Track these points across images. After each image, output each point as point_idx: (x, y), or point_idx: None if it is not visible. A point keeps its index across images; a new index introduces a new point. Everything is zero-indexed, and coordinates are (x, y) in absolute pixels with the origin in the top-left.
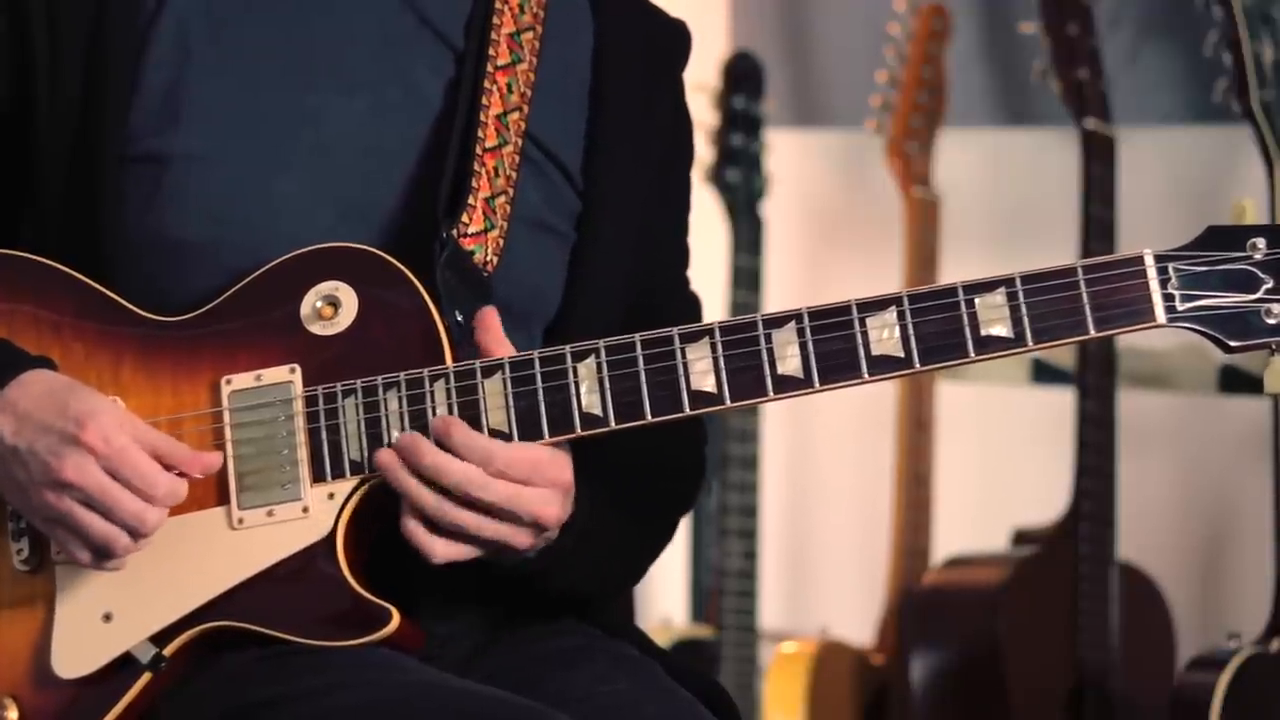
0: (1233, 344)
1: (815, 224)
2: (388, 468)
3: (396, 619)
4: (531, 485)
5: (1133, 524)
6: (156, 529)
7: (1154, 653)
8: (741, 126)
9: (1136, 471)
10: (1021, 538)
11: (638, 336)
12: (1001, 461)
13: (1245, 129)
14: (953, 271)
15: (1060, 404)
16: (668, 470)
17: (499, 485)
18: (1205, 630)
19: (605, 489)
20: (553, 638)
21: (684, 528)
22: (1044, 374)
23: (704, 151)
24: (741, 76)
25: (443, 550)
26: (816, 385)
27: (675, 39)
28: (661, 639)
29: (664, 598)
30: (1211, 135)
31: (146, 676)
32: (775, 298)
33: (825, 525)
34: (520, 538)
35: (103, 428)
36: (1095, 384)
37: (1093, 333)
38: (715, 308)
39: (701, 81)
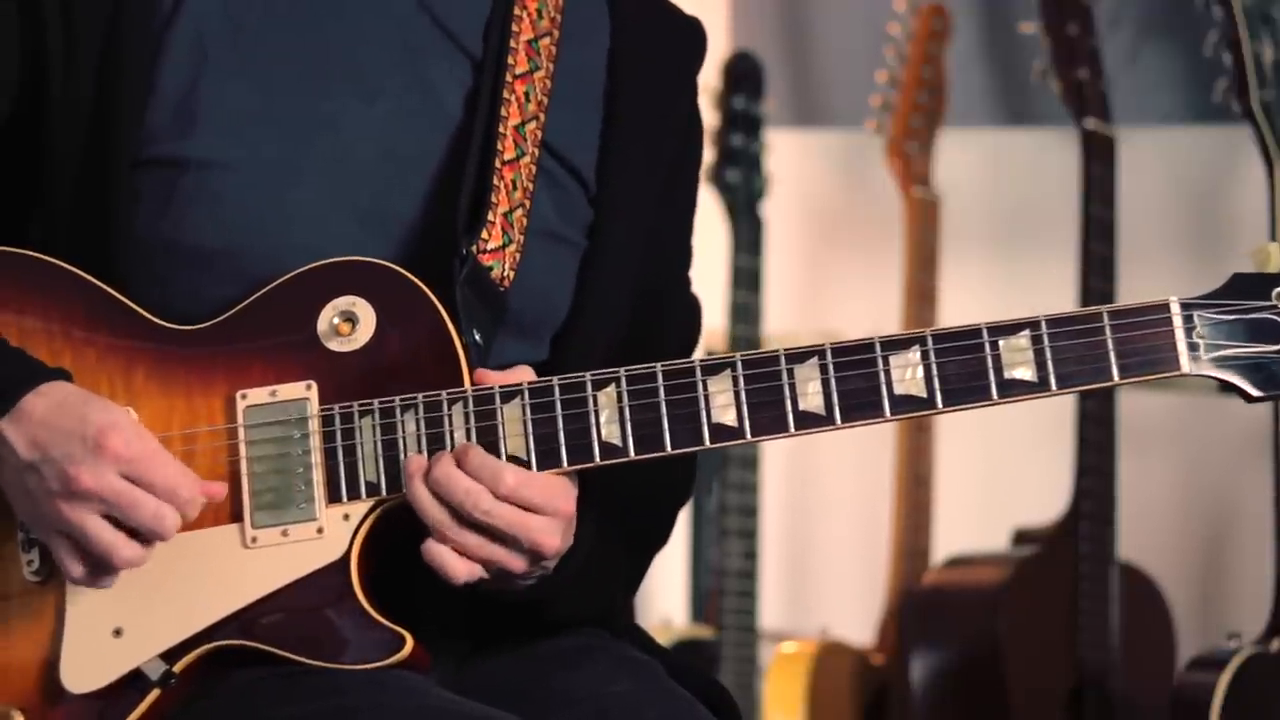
0: (1255, 394)
1: (815, 224)
2: (410, 475)
3: (409, 644)
4: (539, 514)
5: (1133, 524)
6: (172, 534)
7: (1154, 653)
8: (741, 126)
9: (1136, 471)
10: (1021, 538)
11: (659, 366)
12: (1001, 461)
13: (1245, 129)
14: (953, 272)
15: (1060, 403)
16: (665, 485)
17: (504, 510)
18: (1205, 630)
19: (608, 514)
20: (554, 638)
21: (684, 528)
22: None
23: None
24: (741, 76)
25: (466, 572)
26: (838, 423)
27: (691, 39)
28: (661, 639)
29: (664, 598)
30: (1211, 135)
31: (156, 693)
32: (775, 298)
33: (825, 525)
34: (515, 563)
35: (125, 435)
36: None
37: (1116, 379)
38: (715, 308)
39: (701, 81)
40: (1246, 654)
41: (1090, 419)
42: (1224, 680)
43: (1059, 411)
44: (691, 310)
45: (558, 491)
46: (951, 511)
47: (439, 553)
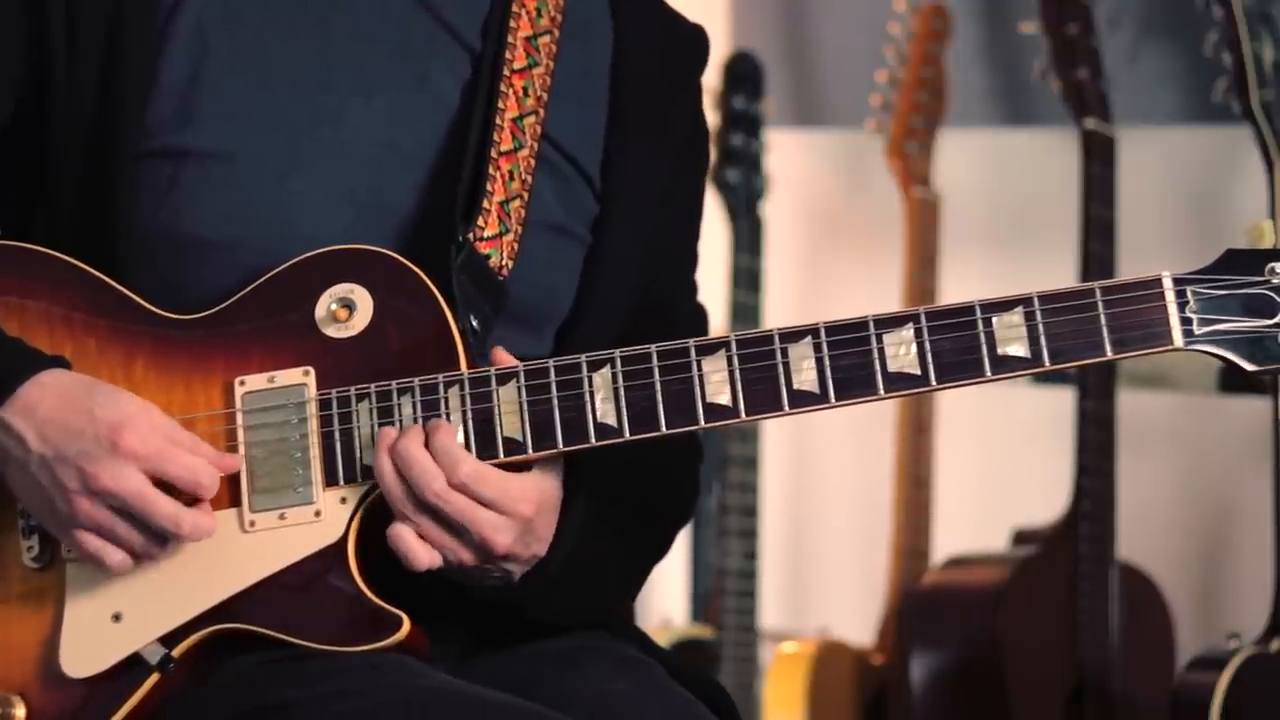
0: (1250, 368)
1: (815, 224)
2: (378, 446)
3: (407, 625)
4: (492, 509)
5: (1133, 524)
6: (193, 533)
7: (1154, 653)
8: (741, 126)
9: (1136, 471)
10: (1021, 538)
11: (654, 347)
12: (1001, 461)
13: (1245, 129)
14: (953, 272)
15: (1060, 404)
16: (664, 490)
17: (456, 498)
18: (1205, 630)
19: (597, 520)
20: (553, 638)
21: (684, 528)
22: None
23: None
24: (741, 76)
25: (427, 559)
26: (833, 401)
27: (694, 44)
28: (661, 639)
29: (664, 598)
30: (1211, 135)
31: (155, 677)
32: (775, 298)
33: (825, 525)
34: (463, 554)
35: (139, 431)
36: (1095, 383)
37: (1110, 354)
38: (715, 308)
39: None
40: (1246, 654)
41: (1090, 419)
42: (1224, 680)
43: (1059, 411)
44: (698, 316)
45: (516, 494)
46: (951, 511)
47: (402, 535)
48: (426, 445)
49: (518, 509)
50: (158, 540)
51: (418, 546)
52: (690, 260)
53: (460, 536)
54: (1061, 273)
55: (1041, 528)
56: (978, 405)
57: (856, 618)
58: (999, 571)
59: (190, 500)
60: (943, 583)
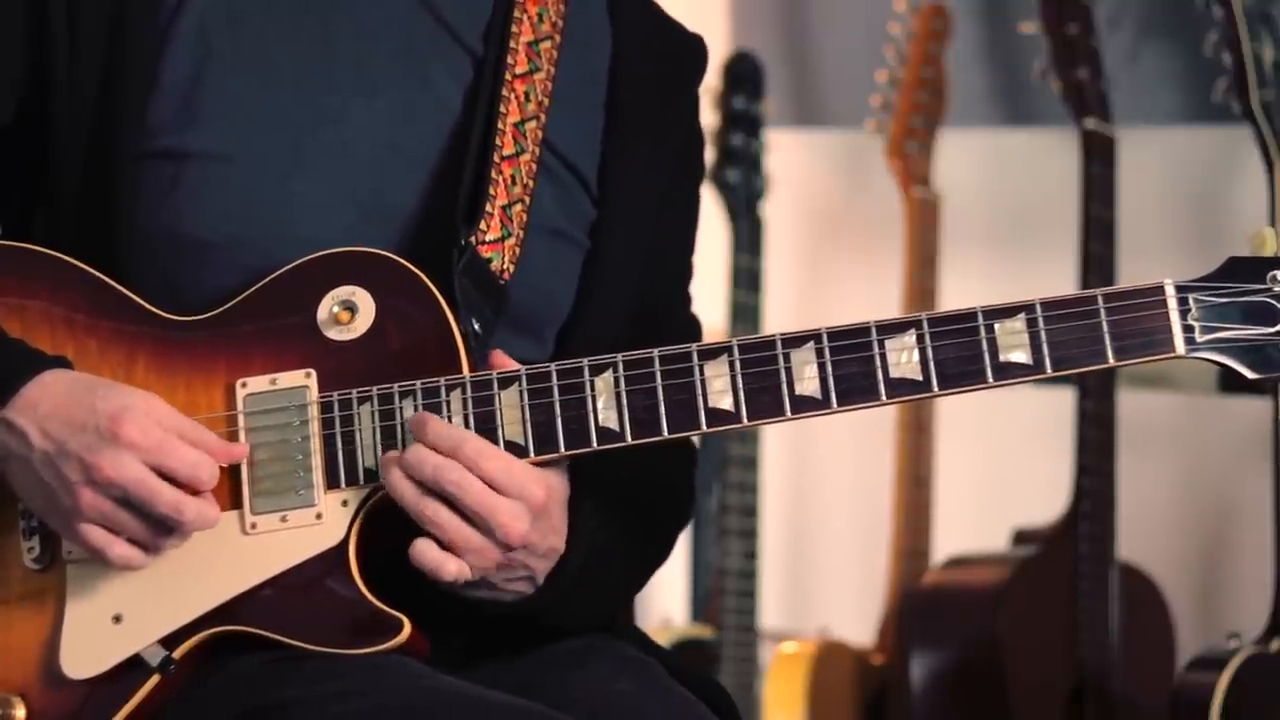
0: (1251, 376)
1: (815, 224)
2: (386, 463)
3: (408, 629)
4: (504, 495)
5: (1133, 524)
6: (196, 520)
7: (1154, 653)
8: (741, 126)
9: (1136, 471)
10: (1021, 538)
11: (656, 352)
12: (1001, 461)
13: (1245, 129)
14: (953, 272)
15: (1060, 404)
16: (666, 494)
17: (473, 483)
18: (1205, 630)
19: (604, 529)
20: (554, 639)
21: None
22: None
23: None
24: (741, 76)
25: (455, 569)
26: (834, 406)
27: (691, 53)
28: (661, 639)
29: (664, 598)
30: (1211, 135)
31: (155, 679)
32: (775, 298)
33: (825, 525)
34: (490, 553)
35: (138, 421)
36: (1095, 384)
37: (1111, 362)
38: (715, 308)
39: (701, 85)
40: (1246, 654)
41: (1090, 419)
42: (1224, 680)
43: (1059, 411)
44: (690, 327)
45: (521, 476)
46: (951, 511)
47: (424, 550)
48: (422, 437)
49: (528, 490)
50: (162, 530)
51: (442, 556)
52: (685, 270)
53: (482, 530)
54: (1061, 273)
55: (1041, 528)
56: (978, 405)
57: (856, 618)
58: (999, 571)
59: (192, 494)
60: (943, 583)
